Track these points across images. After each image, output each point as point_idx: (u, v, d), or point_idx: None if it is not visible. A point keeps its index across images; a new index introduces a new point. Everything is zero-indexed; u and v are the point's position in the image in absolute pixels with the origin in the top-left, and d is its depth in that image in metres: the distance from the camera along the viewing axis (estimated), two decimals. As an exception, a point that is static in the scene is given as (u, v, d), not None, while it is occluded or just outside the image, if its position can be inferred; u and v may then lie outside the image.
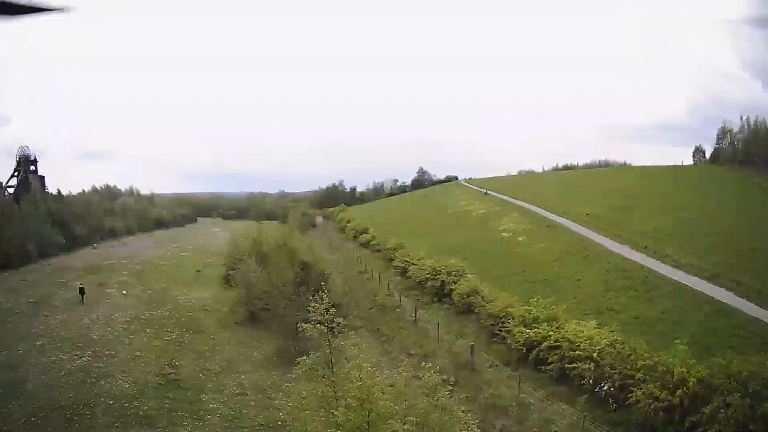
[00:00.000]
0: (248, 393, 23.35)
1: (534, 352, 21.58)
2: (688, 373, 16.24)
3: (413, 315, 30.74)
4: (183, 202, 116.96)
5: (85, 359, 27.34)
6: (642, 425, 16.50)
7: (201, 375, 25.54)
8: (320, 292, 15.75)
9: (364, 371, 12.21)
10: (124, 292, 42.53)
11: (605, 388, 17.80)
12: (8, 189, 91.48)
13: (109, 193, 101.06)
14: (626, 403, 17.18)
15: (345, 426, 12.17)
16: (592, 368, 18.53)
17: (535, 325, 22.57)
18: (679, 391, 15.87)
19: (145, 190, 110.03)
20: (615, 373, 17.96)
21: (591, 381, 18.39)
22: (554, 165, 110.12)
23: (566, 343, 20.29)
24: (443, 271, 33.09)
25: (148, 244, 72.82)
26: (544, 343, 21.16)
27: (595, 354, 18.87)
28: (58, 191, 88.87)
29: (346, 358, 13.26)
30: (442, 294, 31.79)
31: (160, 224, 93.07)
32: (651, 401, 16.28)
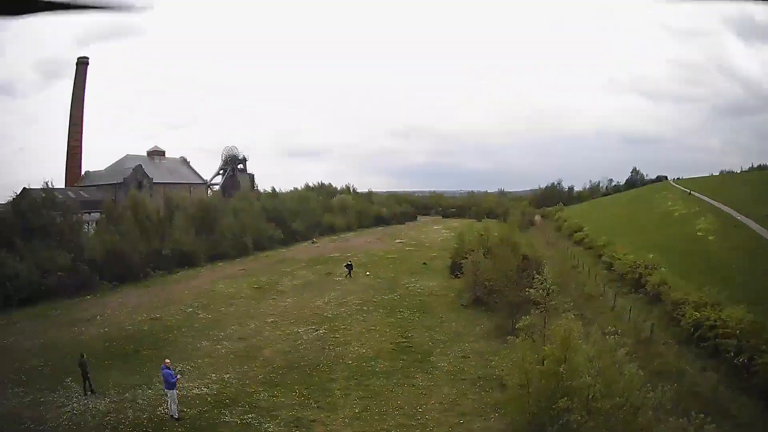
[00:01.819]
0: (470, 356, 31.56)
1: (698, 331, 29.64)
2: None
3: (612, 302, 40.42)
4: (401, 200, 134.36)
5: (321, 332, 36.23)
6: (764, 390, 22.72)
7: (430, 343, 34.08)
8: (538, 274, 26.65)
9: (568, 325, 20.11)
10: (367, 273, 54.99)
11: (741, 359, 24.65)
12: (213, 186, 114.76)
13: (325, 190, 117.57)
14: (754, 371, 23.74)
15: (546, 367, 19.82)
16: (734, 343, 25.73)
17: (703, 309, 30.70)
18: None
19: (361, 188, 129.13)
20: (749, 346, 24.96)
21: (732, 353, 25.47)
22: (750, 164, 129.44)
23: (720, 323, 28.08)
24: (641, 264, 43.87)
25: (370, 239, 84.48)
26: (706, 323, 29.14)
27: (738, 332, 26.21)
28: (273, 189, 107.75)
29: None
30: (638, 285, 42.31)
31: (379, 221, 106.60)
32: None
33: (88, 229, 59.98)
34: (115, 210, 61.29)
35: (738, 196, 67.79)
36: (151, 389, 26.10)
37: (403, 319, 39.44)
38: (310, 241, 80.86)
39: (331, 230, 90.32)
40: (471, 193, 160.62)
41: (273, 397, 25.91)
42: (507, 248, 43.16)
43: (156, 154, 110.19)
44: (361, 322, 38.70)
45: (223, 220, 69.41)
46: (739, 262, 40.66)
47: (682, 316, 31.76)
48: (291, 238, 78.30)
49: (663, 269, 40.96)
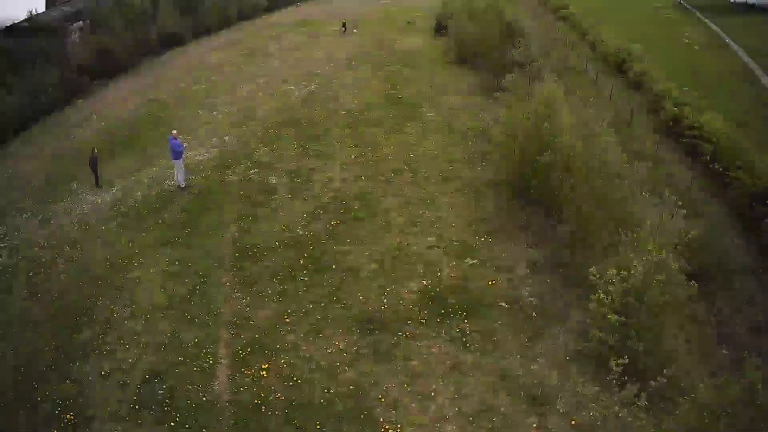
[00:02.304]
0: (458, 108, 32.78)
1: (677, 127, 30.25)
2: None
3: (594, 77, 40.51)
4: None
5: (312, 87, 36.86)
6: (737, 206, 22.85)
7: (419, 96, 35.10)
8: (520, 40, 31.05)
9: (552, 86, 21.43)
10: (354, 30, 54.74)
11: (716, 166, 25.20)
12: None
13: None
14: (728, 183, 23.92)
15: (531, 123, 20.64)
16: (710, 149, 26.22)
17: (682, 106, 30.98)
18: (759, 182, 21.93)
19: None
20: (725, 157, 25.21)
21: (707, 158, 26.06)
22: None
23: (699, 125, 28.44)
24: (625, 50, 43.93)
25: (354, 1, 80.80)
26: (684, 122, 29.62)
27: (714, 139, 26.59)
28: None
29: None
30: (620, 69, 42.89)
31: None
32: (741, 185, 22.77)
33: (74, 38, 58.11)
34: (99, 11, 58.60)
35: (729, 22, 65.36)
36: (155, 167, 26.87)
37: (391, 73, 39.67)
38: (295, 5, 78.11)
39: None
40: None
41: (272, 151, 27.31)
42: (492, 13, 43.06)
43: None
44: (351, 76, 39.12)
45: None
46: (723, 79, 41.32)
47: (662, 108, 32.44)
48: (274, 4, 75.51)
49: (646, 62, 41.39)
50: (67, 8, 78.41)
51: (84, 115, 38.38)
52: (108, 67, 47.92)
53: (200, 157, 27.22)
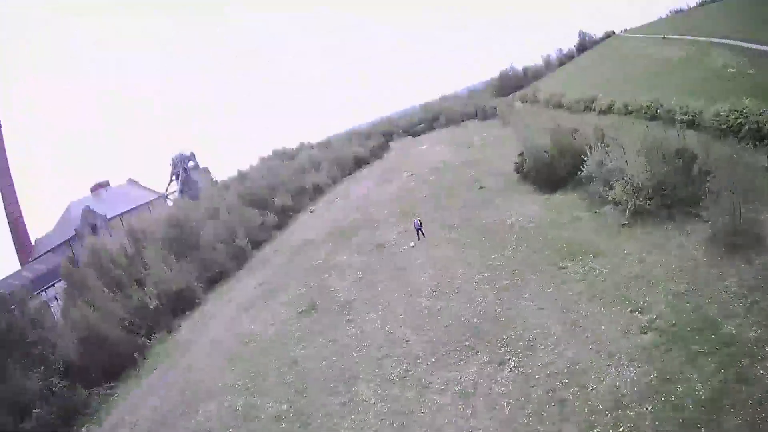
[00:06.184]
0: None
1: None
2: None
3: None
4: (366, 134, 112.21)
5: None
6: None
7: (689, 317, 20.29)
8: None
9: None
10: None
11: None
12: (170, 196, 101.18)
13: (286, 154, 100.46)
14: None
15: None
16: None
17: None
18: None
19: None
20: None
21: None
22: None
23: None
24: (750, 111, 34.89)
25: (370, 185, 66.97)
26: None
27: None
28: (238, 171, 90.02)
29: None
30: (758, 136, 32.44)
31: (359, 162, 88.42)
32: None
33: (54, 310, 44.69)
34: (76, 274, 44.92)
35: (727, 28, 60.89)
36: None
37: (583, 276, 24.75)
38: (308, 212, 63.97)
39: (317, 190, 73.14)
40: (425, 105, 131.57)
41: None
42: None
43: (100, 187, 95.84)
44: (536, 310, 23.15)
45: (203, 228, 52.29)
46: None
47: None
48: (284, 217, 61.44)
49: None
50: (42, 267, 64.23)
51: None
52: (105, 361, 33.10)
53: None
